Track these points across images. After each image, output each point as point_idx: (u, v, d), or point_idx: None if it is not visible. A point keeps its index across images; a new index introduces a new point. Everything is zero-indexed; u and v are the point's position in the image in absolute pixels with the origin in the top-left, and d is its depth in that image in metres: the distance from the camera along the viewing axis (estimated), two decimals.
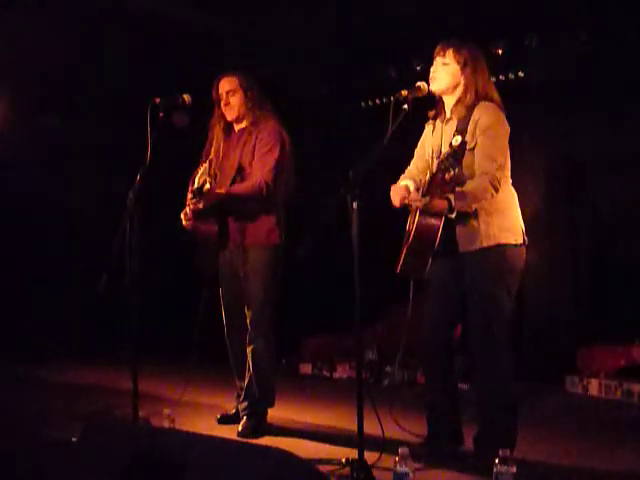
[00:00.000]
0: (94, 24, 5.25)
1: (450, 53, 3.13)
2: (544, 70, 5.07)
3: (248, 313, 3.74)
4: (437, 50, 3.18)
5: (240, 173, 3.73)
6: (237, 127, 3.86)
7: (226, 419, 3.86)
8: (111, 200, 4.12)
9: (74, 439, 3.00)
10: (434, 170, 3.14)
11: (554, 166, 5.21)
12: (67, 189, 6.22)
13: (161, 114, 3.42)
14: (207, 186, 3.55)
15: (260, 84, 3.86)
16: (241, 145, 3.79)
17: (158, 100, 3.44)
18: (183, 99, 3.62)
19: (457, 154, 2.92)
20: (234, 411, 3.88)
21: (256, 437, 3.58)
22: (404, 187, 3.23)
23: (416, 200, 3.05)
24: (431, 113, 3.29)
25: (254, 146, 3.73)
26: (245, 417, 3.73)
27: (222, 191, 3.63)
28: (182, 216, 3.81)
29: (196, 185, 3.59)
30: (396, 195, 3.19)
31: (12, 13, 5.07)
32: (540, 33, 5.02)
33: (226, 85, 3.80)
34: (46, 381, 5.18)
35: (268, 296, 3.73)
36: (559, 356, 4.92)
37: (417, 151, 3.41)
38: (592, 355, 4.74)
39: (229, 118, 3.83)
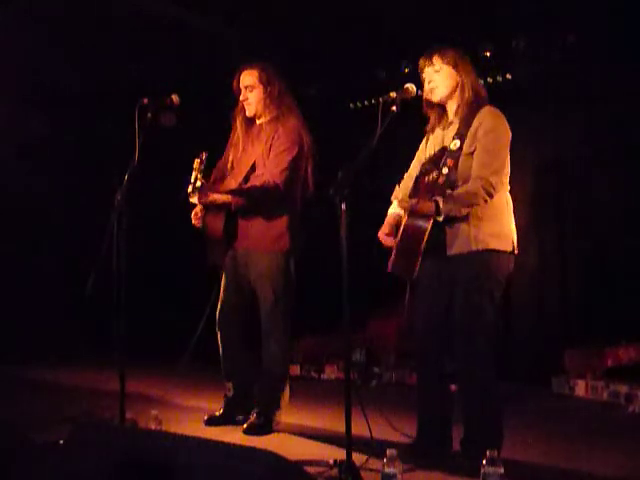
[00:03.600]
0: (86, 23, 5.24)
1: (437, 58, 3.14)
2: (531, 72, 5.10)
3: (261, 316, 3.72)
4: (422, 63, 3.18)
5: (253, 171, 3.67)
6: (258, 121, 3.79)
7: (213, 420, 3.82)
8: (99, 200, 4.10)
9: (61, 441, 2.99)
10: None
11: (541, 168, 5.23)
12: (57, 188, 6.20)
13: (149, 114, 3.41)
14: (198, 183, 3.50)
15: (285, 77, 3.77)
16: (259, 141, 3.72)
17: (146, 100, 3.43)
18: (171, 99, 3.60)
19: (436, 158, 2.95)
20: (221, 412, 3.85)
21: (259, 435, 3.58)
22: (391, 226, 3.27)
23: (403, 202, 3.08)
24: (426, 128, 3.30)
25: (271, 145, 3.65)
26: (254, 415, 3.72)
27: (227, 190, 3.60)
28: (192, 215, 3.79)
29: (192, 180, 3.54)
30: (387, 240, 3.25)
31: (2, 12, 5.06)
32: (527, 35, 5.05)
33: (245, 79, 3.73)
34: (32, 383, 5.15)
35: (278, 301, 3.68)
36: (546, 357, 4.95)
37: (413, 163, 3.40)
38: (579, 356, 4.76)
39: (248, 114, 3.76)
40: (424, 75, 3.18)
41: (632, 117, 4.73)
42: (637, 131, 4.73)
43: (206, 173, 3.62)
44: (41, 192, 6.14)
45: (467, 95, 3.11)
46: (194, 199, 3.60)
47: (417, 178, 3.17)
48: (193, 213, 3.79)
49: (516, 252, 3.16)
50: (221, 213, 3.66)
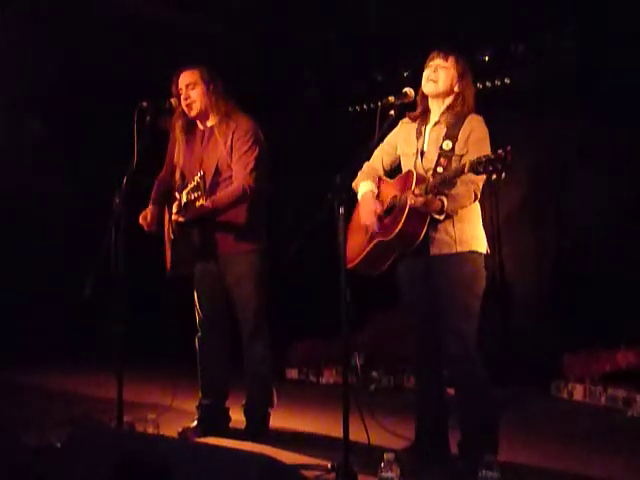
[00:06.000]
0: (81, 25, 5.25)
1: (452, 60, 3.17)
2: (530, 76, 5.11)
3: (242, 319, 3.66)
4: (436, 54, 3.18)
5: (219, 174, 3.57)
6: (203, 125, 3.68)
7: (188, 433, 3.63)
8: (98, 203, 4.11)
9: (58, 444, 2.99)
10: (426, 169, 3.13)
11: (540, 171, 5.24)
12: (54, 190, 6.21)
13: (148, 118, 3.41)
14: (200, 202, 3.34)
15: (223, 81, 3.66)
16: (214, 144, 3.61)
17: (145, 104, 3.42)
18: (170, 103, 3.61)
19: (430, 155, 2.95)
20: (196, 424, 3.70)
21: (258, 441, 3.50)
22: (373, 198, 3.21)
23: (418, 196, 3.00)
24: (411, 114, 3.29)
25: (231, 145, 3.56)
26: (247, 420, 3.69)
27: (207, 204, 3.41)
28: (142, 221, 3.67)
29: (185, 199, 3.40)
30: (369, 212, 3.17)
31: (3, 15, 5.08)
32: (526, 40, 5.06)
33: (186, 78, 3.58)
34: (30, 386, 5.14)
35: (261, 299, 3.65)
36: (544, 361, 4.94)
37: (384, 147, 3.36)
38: (577, 360, 4.75)
39: (191, 114, 3.62)
40: (431, 63, 3.18)
41: (631, 120, 4.73)
42: (636, 134, 4.74)
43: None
44: (41, 193, 6.15)
45: (463, 107, 3.15)
46: (182, 218, 3.48)
47: (409, 170, 3.17)
48: (142, 218, 3.67)
49: (489, 253, 3.20)
50: (195, 227, 3.58)
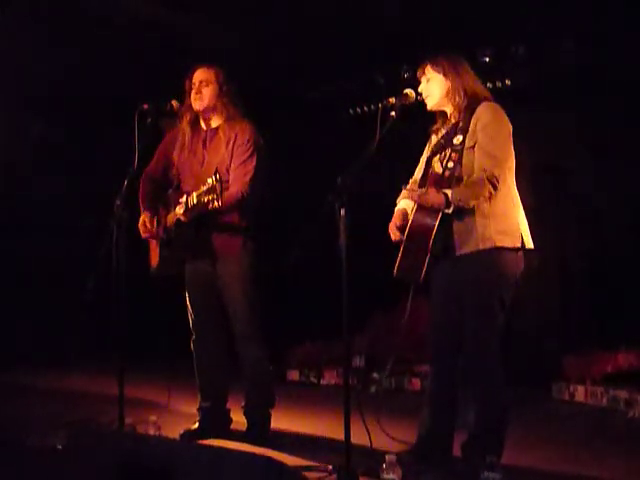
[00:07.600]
0: (81, 25, 5.25)
1: (428, 68, 3.20)
2: (530, 78, 5.12)
3: (234, 319, 3.66)
4: (419, 73, 3.24)
5: None
6: (206, 124, 3.69)
7: (190, 435, 3.62)
8: (99, 205, 4.11)
9: (59, 446, 2.99)
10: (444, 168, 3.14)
11: (540, 172, 5.24)
12: (54, 192, 6.21)
13: (149, 120, 3.41)
14: (215, 205, 3.27)
15: (237, 86, 3.69)
16: (216, 146, 3.63)
17: (146, 106, 3.42)
18: (171, 105, 3.61)
19: (440, 148, 2.96)
20: (197, 426, 3.69)
21: (259, 440, 3.49)
22: (397, 213, 3.25)
23: (411, 190, 3.04)
24: (432, 128, 3.31)
25: (232, 151, 3.58)
26: (248, 422, 3.68)
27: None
28: (142, 229, 3.66)
29: (195, 201, 3.33)
30: (390, 225, 3.23)
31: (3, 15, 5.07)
32: (526, 42, 5.07)
33: (201, 74, 3.62)
34: (30, 388, 5.14)
35: (252, 301, 3.65)
36: (545, 363, 4.94)
37: (422, 159, 3.39)
38: (578, 362, 4.76)
39: (197, 107, 3.62)
40: (420, 86, 3.23)
41: (630, 121, 4.74)
42: (635, 134, 4.74)
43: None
44: (41, 194, 6.14)
45: (458, 99, 3.15)
46: (184, 217, 3.45)
47: (425, 170, 3.20)
48: (141, 225, 3.66)
49: (528, 246, 3.13)
50: (192, 226, 3.57)
